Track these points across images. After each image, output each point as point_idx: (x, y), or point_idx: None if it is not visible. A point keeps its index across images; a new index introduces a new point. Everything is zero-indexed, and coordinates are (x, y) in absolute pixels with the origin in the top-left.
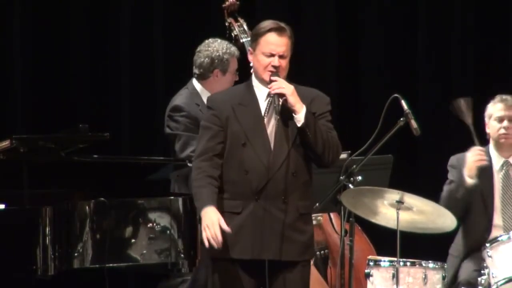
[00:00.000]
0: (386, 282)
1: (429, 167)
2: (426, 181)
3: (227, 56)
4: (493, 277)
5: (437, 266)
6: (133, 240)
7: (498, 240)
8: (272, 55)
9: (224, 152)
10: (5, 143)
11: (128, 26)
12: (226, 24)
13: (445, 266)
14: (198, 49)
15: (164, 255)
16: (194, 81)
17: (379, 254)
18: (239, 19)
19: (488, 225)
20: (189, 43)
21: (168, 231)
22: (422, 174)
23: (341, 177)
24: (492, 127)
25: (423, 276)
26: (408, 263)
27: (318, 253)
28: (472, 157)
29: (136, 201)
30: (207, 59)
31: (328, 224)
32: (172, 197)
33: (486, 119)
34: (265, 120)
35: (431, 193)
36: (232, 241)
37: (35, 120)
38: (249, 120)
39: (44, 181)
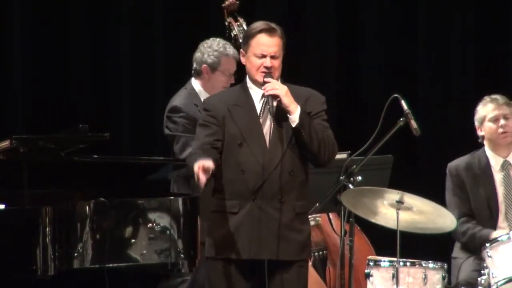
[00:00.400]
0: (386, 282)
1: (429, 167)
2: (426, 181)
3: (217, 54)
4: (493, 277)
5: (437, 266)
6: (133, 240)
7: (498, 240)
8: (264, 56)
9: (222, 151)
10: (5, 143)
11: (128, 26)
12: (226, 23)
13: (445, 267)
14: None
15: (164, 255)
16: (193, 81)
17: (379, 254)
18: (239, 18)
19: (494, 228)
20: (189, 43)
21: (168, 231)
22: (422, 174)
23: (341, 177)
24: (488, 128)
25: (423, 276)
26: (408, 263)
27: (316, 253)
28: None
29: (136, 201)
30: (199, 53)
31: (327, 225)
32: (172, 197)
33: (477, 123)
34: (261, 120)
35: (431, 193)
36: (229, 241)
37: (35, 120)
38: (245, 121)
39: (44, 181)
